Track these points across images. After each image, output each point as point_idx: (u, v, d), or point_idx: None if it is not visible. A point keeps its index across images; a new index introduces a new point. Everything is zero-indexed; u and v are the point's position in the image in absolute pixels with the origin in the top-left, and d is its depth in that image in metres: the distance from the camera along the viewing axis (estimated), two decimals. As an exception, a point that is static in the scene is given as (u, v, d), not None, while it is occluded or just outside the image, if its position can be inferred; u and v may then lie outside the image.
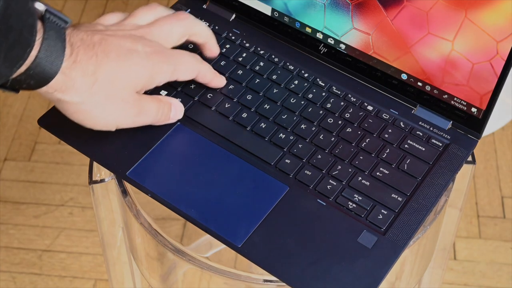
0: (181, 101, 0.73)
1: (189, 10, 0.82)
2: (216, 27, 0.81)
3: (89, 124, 0.65)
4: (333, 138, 0.71)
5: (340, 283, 0.61)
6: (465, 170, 0.74)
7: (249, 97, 0.75)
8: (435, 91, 0.73)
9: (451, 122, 0.73)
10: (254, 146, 0.71)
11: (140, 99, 0.67)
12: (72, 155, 1.54)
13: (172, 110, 0.70)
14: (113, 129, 0.67)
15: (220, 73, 0.77)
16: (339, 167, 0.69)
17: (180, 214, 0.66)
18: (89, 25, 0.67)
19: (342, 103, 0.74)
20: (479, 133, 0.72)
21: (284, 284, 0.62)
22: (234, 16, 0.82)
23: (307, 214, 0.66)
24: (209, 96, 0.75)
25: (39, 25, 0.59)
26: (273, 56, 0.78)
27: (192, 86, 0.75)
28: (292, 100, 0.75)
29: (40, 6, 0.60)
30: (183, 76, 0.70)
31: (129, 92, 0.65)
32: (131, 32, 0.68)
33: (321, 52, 0.78)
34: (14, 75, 0.58)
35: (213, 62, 0.78)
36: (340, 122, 0.73)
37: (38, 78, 0.60)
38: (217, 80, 0.74)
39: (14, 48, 0.56)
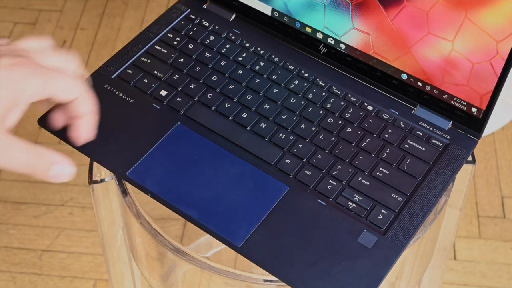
0: (180, 101, 0.73)
1: (189, 10, 0.82)
2: (216, 27, 0.81)
3: None
4: (333, 138, 0.71)
5: (340, 283, 0.61)
6: (465, 170, 0.74)
7: (249, 97, 0.75)
8: (435, 91, 0.73)
9: (451, 122, 0.73)
10: (254, 146, 0.71)
11: (5, 139, 0.57)
12: (72, 155, 1.53)
13: (52, 169, 0.59)
14: None
15: (220, 73, 0.77)
16: (339, 167, 0.69)
17: (180, 214, 0.66)
18: None
19: (342, 103, 0.74)
20: (479, 133, 0.72)
21: (284, 284, 0.62)
22: (234, 16, 0.82)
23: (307, 214, 0.66)
24: (209, 96, 0.75)
25: None
26: (273, 56, 0.78)
27: (192, 86, 0.75)
28: (292, 100, 0.75)
29: None
30: (60, 92, 0.60)
31: None
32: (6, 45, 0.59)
33: (321, 52, 0.78)
34: None
35: (214, 63, 0.78)
36: (340, 122, 0.73)
37: None
38: (89, 121, 0.64)
39: None
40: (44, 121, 0.72)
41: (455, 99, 0.72)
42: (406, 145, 0.71)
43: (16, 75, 0.57)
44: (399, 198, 0.67)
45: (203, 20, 0.81)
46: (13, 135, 0.57)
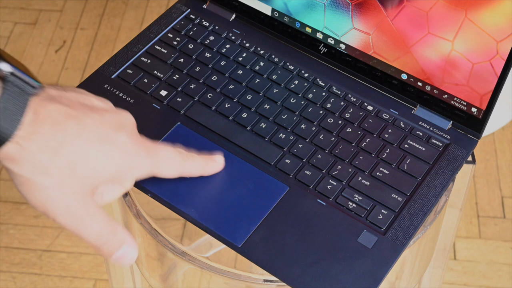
0: (180, 101, 0.73)
1: (189, 10, 0.82)
2: (216, 27, 0.81)
3: (31, 202, 0.56)
4: (333, 138, 0.71)
5: (340, 283, 0.61)
6: (465, 170, 0.74)
7: (249, 97, 0.75)
8: (435, 91, 0.73)
9: (451, 122, 0.73)
10: (254, 146, 0.71)
11: (90, 206, 0.57)
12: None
13: (121, 248, 0.58)
14: (51, 220, 0.57)
15: (220, 73, 0.77)
16: (339, 167, 0.69)
17: (180, 214, 0.66)
18: (68, 95, 0.58)
19: (342, 103, 0.74)
20: (479, 133, 0.72)
21: (284, 284, 0.62)
22: (234, 16, 0.82)
23: (307, 214, 0.66)
24: (209, 96, 0.75)
25: None
26: (273, 56, 0.78)
27: (192, 86, 0.75)
28: (292, 100, 0.75)
29: (4, 67, 0.53)
30: (164, 173, 0.63)
31: (84, 186, 0.56)
32: (122, 119, 0.60)
33: (321, 52, 0.78)
34: None
35: (214, 63, 0.78)
36: (340, 122, 0.73)
37: None
38: (210, 169, 0.67)
39: None
40: None
41: (455, 99, 0.72)
42: (406, 145, 0.71)
43: (128, 157, 0.58)
44: (399, 198, 0.67)
45: (203, 20, 0.81)
46: (97, 205, 0.57)
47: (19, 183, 0.56)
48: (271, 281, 0.67)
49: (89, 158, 0.56)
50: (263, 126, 0.72)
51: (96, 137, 0.56)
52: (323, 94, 0.75)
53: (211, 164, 0.67)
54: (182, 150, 0.64)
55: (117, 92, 0.75)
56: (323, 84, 0.76)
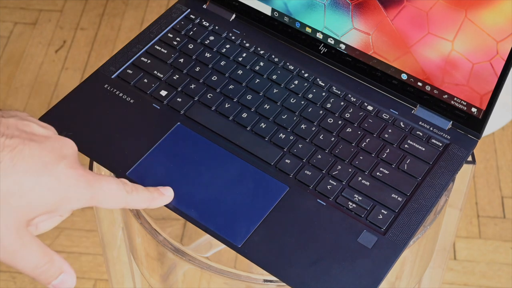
0: (180, 101, 0.73)
1: (189, 10, 0.82)
2: (216, 27, 0.81)
3: None
4: (333, 138, 0.71)
5: (340, 283, 0.61)
6: (465, 170, 0.74)
7: (249, 97, 0.75)
8: (435, 91, 0.73)
9: (451, 122, 0.73)
10: (254, 146, 0.71)
11: (24, 238, 0.54)
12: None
13: (59, 277, 0.56)
14: None
15: (220, 73, 0.76)
16: (339, 167, 0.69)
17: (180, 214, 0.66)
18: (6, 122, 0.56)
19: (342, 103, 0.74)
20: (479, 133, 0.72)
21: (284, 284, 0.62)
22: (234, 16, 0.82)
23: (307, 214, 0.66)
24: (209, 96, 0.75)
25: None
26: (273, 56, 0.78)
27: (192, 86, 0.75)
28: (292, 100, 0.75)
29: None
30: (106, 205, 0.60)
31: (19, 219, 0.54)
32: (63, 147, 0.57)
33: (321, 52, 0.78)
34: None
35: (214, 63, 0.78)
36: (340, 122, 0.73)
37: None
38: (155, 202, 0.65)
39: None
40: (43, 121, 0.72)
41: (455, 99, 0.72)
42: (406, 145, 0.71)
43: (66, 188, 0.56)
44: (399, 198, 0.67)
45: (203, 20, 0.81)
46: (32, 236, 0.56)
47: None
48: (271, 281, 0.67)
49: (24, 190, 0.53)
50: (263, 126, 0.72)
51: (33, 168, 0.54)
52: (323, 94, 0.75)
53: (158, 197, 0.65)
54: (126, 181, 0.61)
55: (117, 92, 0.75)
56: (323, 84, 0.76)
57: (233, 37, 0.80)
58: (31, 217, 0.55)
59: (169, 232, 0.73)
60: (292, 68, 0.77)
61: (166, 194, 0.66)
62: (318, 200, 0.67)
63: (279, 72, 0.77)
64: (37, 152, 0.54)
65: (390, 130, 0.72)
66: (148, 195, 0.64)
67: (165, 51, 0.78)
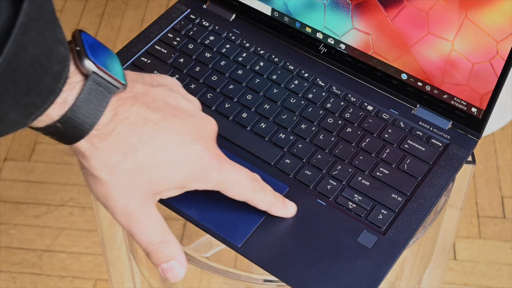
0: None
1: (189, 10, 0.82)
2: (216, 27, 0.81)
3: (93, 193, 0.57)
4: (333, 138, 0.71)
5: (340, 283, 0.61)
6: (465, 170, 0.74)
7: (249, 97, 0.75)
8: (435, 91, 0.73)
9: (451, 122, 0.73)
10: (254, 146, 0.71)
11: (148, 210, 0.57)
12: (72, 155, 1.54)
13: (170, 262, 0.58)
14: (109, 212, 0.57)
15: (220, 73, 0.76)
16: (339, 167, 0.69)
17: (180, 214, 0.66)
18: (155, 92, 0.57)
19: (342, 103, 0.74)
20: (479, 133, 0.72)
21: (284, 284, 0.62)
22: (234, 16, 0.82)
23: (307, 214, 0.66)
24: (209, 96, 0.75)
25: (77, 77, 0.52)
26: (273, 56, 0.78)
27: (192, 86, 0.75)
28: (292, 100, 0.75)
29: (88, 66, 0.52)
30: (229, 194, 0.60)
31: (148, 190, 0.56)
32: (203, 126, 0.58)
33: (321, 52, 0.78)
34: (37, 125, 0.52)
35: (214, 63, 0.78)
36: (340, 122, 0.73)
37: (58, 136, 0.53)
38: (277, 211, 0.64)
39: (29, 95, 0.49)
40: None
41: (455, 99, 0.72)
42: (406, 145, 0.71)
43: (198, 167, 0.57)
44: (399, 198, 0.67)
45: (203, 20, 0.81)
46: (156, 211, 0.57)
47: (86, 173, 0.56)
48: (271, 281, 0.67)
49: (159, 165, 0.55)
50: (263, 126, 0.72)
51: (171, 145, 0.55)
52: (323, 94, 0.75)
53: (281, 207, 0.64)
54: (258, 178, 0.62)
55: (117, 92, 0.75)
56: (323, 84, 0.76)
57: (233, 37, 0.80)
58: (160, 190, 0.57)
59: (169, 232, 0.73)
60: (292, 68, 0.77)
61: (289, 207, 0.65)
62: (318, 200, 0.67)
63: (279, 72, 0.77)
64: (177, 129, 0.56)
65: (390, 130, 0.72)
66: (272, 200, 0.63)
67: (165, 51, 0.78)
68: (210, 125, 0.59)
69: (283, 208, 0.64)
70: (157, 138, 0.54)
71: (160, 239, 0.57)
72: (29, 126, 0.52)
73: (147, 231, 0.57)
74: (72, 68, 0.52)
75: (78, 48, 0.52)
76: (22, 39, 0.46)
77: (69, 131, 0.52)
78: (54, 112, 0.51)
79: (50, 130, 0.52)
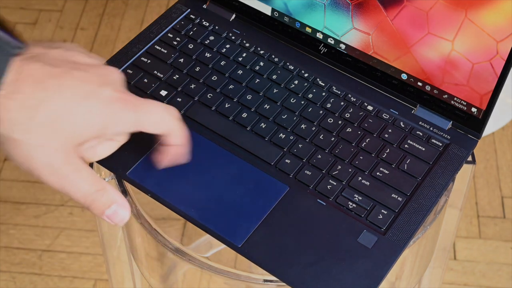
0: (180, 101, 0.73)
1: (189, 10, 0.82)
2: (216, 27, 0.81)
3: (15, 160, 0.56)
4: (333, 138, 0.71)
5: (340, 283, 0.61)
6: (465, 170, 0.74)
7: (249, 97, 0.75)
8: (435, 91, 0.73)
9: (451, 122, 0.73)
10: (254, 146, 0.71)
11: (74, 163, 0.56)
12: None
13: (111, 207, 0.58)
14: (36, 178, 0.57)
15: (220, 73, 0.77)
16: (339, 167, 0.69)
17: (180, 214, 0.66)
18: (54, 53, 0.57)
19: (342, 103, 0.74)
20: (479, 133, 0.72)
21: (284, 284, 0.62)
22: (234, 16, 0.82)
23: (307, 214, 0.66)
24: (209, 96, 0.75)
25: None
26: (273, 56, 0.78)
27: (192, 86, 0.75)
28: (292, 100, 0.75)
29: None
30: (149, 128, 0.60)
31: (67, 143, 0.56)
32: (108, 74, 0.59)
33: (321, 52, 0.78)
34: None
35: (214, 63, 0.78)
36: (340, 122, 0.73)
37: None
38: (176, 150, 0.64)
39: None
40: None
41: (455, 99, 0.72)
42: (406, 145, 0.71)
43: (111, 112, 0.57)
44: (399, 198, 0.67)
45: (203, 20, 0.81)
46: (83, 162, 0.57)
47: (2, 142, 0.55)
48: (271, 281, 0.67)
49: (71, 115, 0.55)
50: (263, 126, 0.72)
51: (78, 93, 0.55)
52: (323, 94, 0.75)
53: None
54: (173, 109, 0.62)
55: (117, 92, 0.75)
56: (323, 84, 0.76)
57: (233, 37, 0.80)
58: (79, 141, 0.56)
59: (169, 232, 0.73)
60: (292, 68, 0.77)
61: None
62: (318, 200, 0.67)
63: (279, 72, 0.77)
64: (82, 79, 0.56)
65: (390, 130, 0.72)
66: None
67: (165, 51, 0.78)
68: (115, 72, 0.59)
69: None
70: (63, 90, 0.55)
71: (94, 188, 0.57)
72: None
73: (80, 184, 0.57)
74: None
75: None
76: None
77: None
78: None
79: None
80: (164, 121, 0.61)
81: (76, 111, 0.55)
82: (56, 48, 0.58)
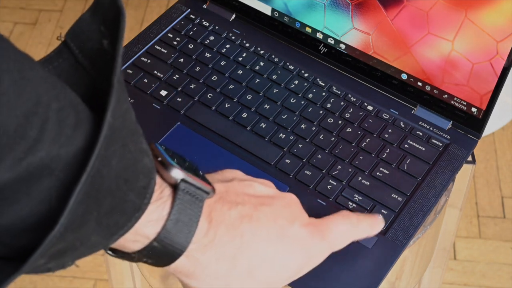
0: (180, 101, 0.73)
1: (189, 10, 0.82)
2: (216, 27, 0.81)
3: None
4: (333, 138, 0.71)
5: (340, 283, 0.61)
6: (465, 170, 0.74)
7: (249, 97, 0.75)
8: (435, 91, 0.73)
9: (451, 122, 0.73)
10: (254, 146, 0.71)
11: None
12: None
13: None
14: None
15: (220, 73, 0.77)
16: (339, 167, 0.69)
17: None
18: (233, 187, 0.53)
19: (342, 103, 0.74)
20: (479, 133, 0.72)
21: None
22: (234, 16, 0.82)
23: (307, 214, 0.66)
24: (209, 96, 0.75)
25: (166, 190, 0.48)
26: (273, 56, 0.78)
27: (192, 86, 0.75)
28: (292, 100, 0.75)
29: (176, 174, 0.48)
30: (342, 246, 0.57)
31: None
32: (291, 205, 0.55)
33: (321, 52, 0.78)
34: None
35: (214, 63, 0.78)
36: (340, 122, 0.73)
37: (155, 258, 0.48)
38: (376, 230, 0.60)
39: (112, 214, 0.44)
40: None
41: (455, 99, 0.72)
42: (406, 145, 0.71)
43: (308, 247, 0.54)
44: (399, 198, 0.67)
45: (203, 20, 0.81)
46: None
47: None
48: (271, 281, 0.67)
49: (269, 259, 0.51)
50: (263, 126, 0.72)
51: (272, 234, 0.52)
52: (323, 94, 0.75)
53: (376, 223, 0.60)
54: (347, 213, 0.58)
55: (117, 92, 0.75)
56: (323, 84, 0.76)
57: (233, 37, 0.80)
58: (278, 285, 0.53)
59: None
60: (292, 68, 0.77)
61: (381, 220, 0.61)
62: (318, 200, 0.67)
63: (279, 72, 0.77)
64: (272, 217, 0.52)
65: (390, 130, 0.72)
66: (370, 222, 0.60)
67: (165, 51, 0.78)
68: (294, 199, 0.56)
69: (380, 223, 0.61)
70: (257, 232, 0.51)
71: None
72: (120, 253, 0.48)
73: None
74: (159, 180, 0.48)
75: (160, 158, 0.48)
76: (106, 154, 0.42)
77: (168, 249, 0.47)
78: (149, 231, 0.47)
79: (145, 253, 0.47)
80: (348, 236, 0.57)
81: (273, 255, 0.52)
82: (230, 181, 0.54)
